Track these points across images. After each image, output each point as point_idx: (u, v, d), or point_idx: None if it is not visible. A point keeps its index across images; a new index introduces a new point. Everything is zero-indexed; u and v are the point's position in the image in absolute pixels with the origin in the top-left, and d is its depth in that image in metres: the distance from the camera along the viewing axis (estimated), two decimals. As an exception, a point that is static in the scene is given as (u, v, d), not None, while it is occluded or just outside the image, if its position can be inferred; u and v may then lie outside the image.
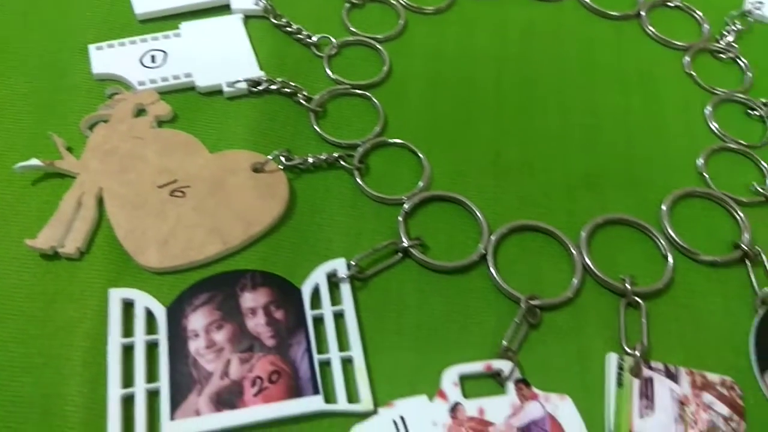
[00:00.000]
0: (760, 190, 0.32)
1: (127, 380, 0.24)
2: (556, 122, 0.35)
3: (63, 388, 0.24)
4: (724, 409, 0.26)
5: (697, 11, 0.40)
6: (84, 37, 0.35)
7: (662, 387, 0.26)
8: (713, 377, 0.27)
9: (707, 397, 0.26)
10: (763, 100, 0.36)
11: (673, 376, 0.26)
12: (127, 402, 0.24)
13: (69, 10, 0.36)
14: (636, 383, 0.26)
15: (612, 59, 0.38)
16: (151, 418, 0.24)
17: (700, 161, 0.33)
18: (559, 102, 0.36)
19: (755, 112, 0.36)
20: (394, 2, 0.38)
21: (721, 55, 0.39)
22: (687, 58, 0.38)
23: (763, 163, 0.34)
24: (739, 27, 0.40)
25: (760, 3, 0.40)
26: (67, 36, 0.35)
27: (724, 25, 0.40)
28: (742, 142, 0.34)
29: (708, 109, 0.36)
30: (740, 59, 0.38)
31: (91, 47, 0.34)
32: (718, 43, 0.39)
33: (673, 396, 0.26)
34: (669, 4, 0.41)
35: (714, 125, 0.35)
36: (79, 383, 0.25)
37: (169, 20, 0.36)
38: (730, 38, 0.39)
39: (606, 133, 0.35)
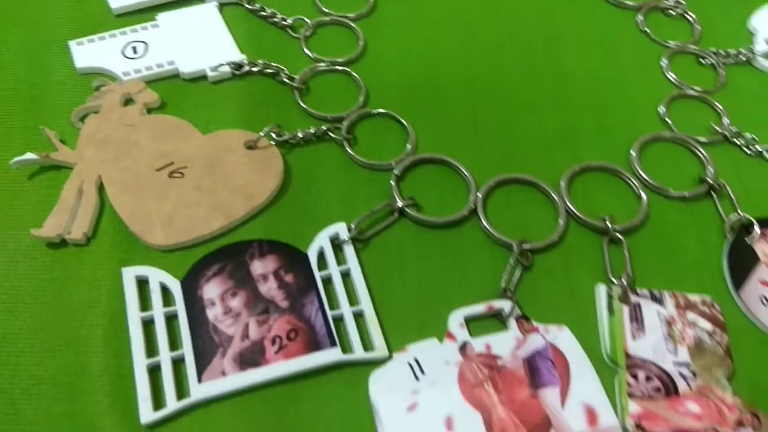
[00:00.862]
0: (719, 130, 0.35)
1: (151, 351, 0.25)
2: (526, 84, 0.37)
3: (88, 366, 0.25)
4: (708, 325, 0.28)
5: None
6: (63, 34, 0.35)
7: (649, 310, 0.28)
8: (694, 297, 0.29)
9: (691, 315, 0.28)
10: (713, 49, 0.39)
11: (658, 300, 0.29)
12: (153, 372, 0.25)
13: (46, 8, 0.36)
14: (625, 309, 0.28)
15: (571, 23, 0.40)
16: (178, 384, 0.25)
17: (661, 108, 0.36)
18: (527, 65, 0.38)
19: (706, 60, 0.39)
20: (363, -18, 0.40)
21: (671, 12, 0.41)
22: (640, 17, 0.40)
23: (718, 105, 0.36)
24: (685, -16, 0.43)
25: (701, -39, 0.43)
26: (47, 34, 0.35)
27: (671, -16, 0.43)
28: (697, 88, 0.37)
29: (663, 62, 0.38)
30: (688, 14, 0.41)
31: (72, 43, 0.34)
32: (667, 0, 0.42)
33: (661, 317, 0.28)
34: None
35: (671, 75, 0.38)
36: (103, 359, 0.25)
37: (144, 13, 0.37)
38: (678, -7, 0.42)
39: (573, 91, 0.37)
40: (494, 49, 0.38)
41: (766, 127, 0.36)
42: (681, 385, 0.26)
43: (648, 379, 0.27)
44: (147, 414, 0.24)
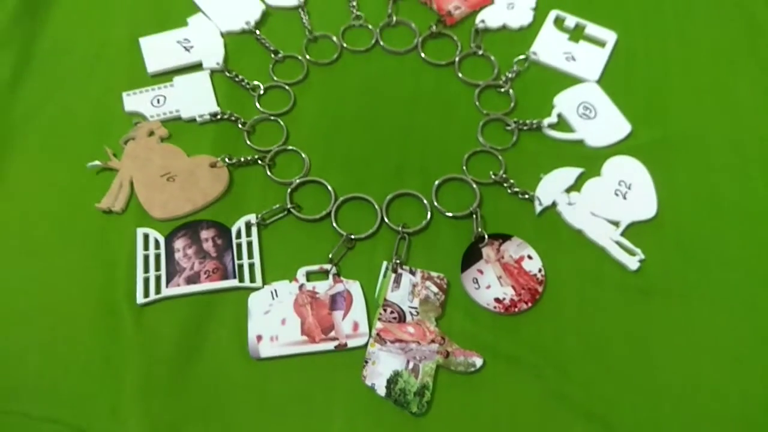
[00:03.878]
0: (493, 176, 0.57)
1: (146, 270, 0.52)
2: (388, 136, 0.60)
3: (117, 273, 0.52)
4: (435, 289, 0.52)
5: (492, 57, 0.64)
6: (119, 86, 0.61)
7: (406, 278, 0.52)
8: (434, 274, 0.52)
9: (428, 283, 0.52)
10: (515, 120, 0.60)
11: (413, 273, 0.52)
12: (146, 280, 0.51)
13: (112, 70, 0.62)
14: (392, 276, 0.52)
15: (427, 92, 0.62)
16: (157, 287, 0.51)
17: (464, 158, 0.58)
18: (396, 124, 0.60)
19: (509, 127, 0.60)
20: (300, 59, 0.63)
21: (501, 89, 0.62)
22: (477, 92, 0.62)
23: (502, 159, 0.58)
24: (518, 69, 0.63)
25: (535, 53, 0.64)
26: (108, 87, 0.61)
27: (511, 67, 0.64)
28: (495, 147, 0.59)
29: (480, 125, 0.60)
30: (511, 91, 0.62)
31: (124, 94, 0.60)
32: (501, 80, 0.63)
33: (411, 282, 0.52)
34: (478, 52, 0.64)
35: (479, 135, 0.59)
36: (125, 270, 0.52)
37: (168, 75, 0.62)
38: (511, 75, 0.63)
39: (414, 142, 0.59)
40: (380, 110, 0.61)
41: (530, 177, 0.57)
42: (408, 318, 0.51)
43: (391, 312, 0.51)
44: (140, 299, 0.50)
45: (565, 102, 0.61)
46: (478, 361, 0.49)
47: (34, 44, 0.63)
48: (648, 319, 0.51)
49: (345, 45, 0.64)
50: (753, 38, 0.65)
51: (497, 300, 0.51)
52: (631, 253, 0.53)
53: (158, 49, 0.62)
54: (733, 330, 0.50)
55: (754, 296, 0.52)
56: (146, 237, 0.53)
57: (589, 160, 0.58)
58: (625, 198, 0.56)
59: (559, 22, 0.66)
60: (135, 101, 0.60)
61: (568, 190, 0.57)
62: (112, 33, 0.64)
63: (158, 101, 0.60)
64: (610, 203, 0.56)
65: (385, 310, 0.51)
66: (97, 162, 0.56)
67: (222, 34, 0.64)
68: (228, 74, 0.62)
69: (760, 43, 0.65)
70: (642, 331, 0.51)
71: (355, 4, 0.67)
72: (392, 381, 0.48)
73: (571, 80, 0.63)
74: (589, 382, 0.48)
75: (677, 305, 0.52)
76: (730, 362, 0.49)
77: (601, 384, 0.48)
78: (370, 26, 0.65)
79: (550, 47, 0.64)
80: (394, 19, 0.66)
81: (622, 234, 0.54)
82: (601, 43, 0.65)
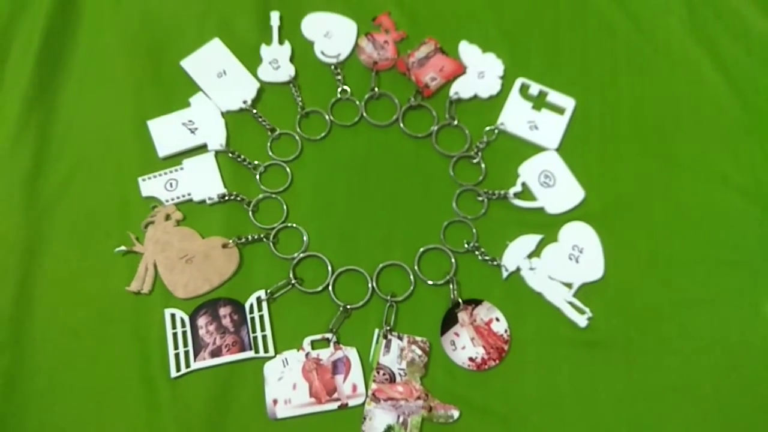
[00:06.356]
0: (466, 245, 0.66)
1: (176, 346, 0.61)
2: (379, 207, 0.68)
3: (150, 350, 0.61)
4: (419, 351, 0.62)
5: (466, 129, 0.72)
6: (133, 168, 0.68)
7: (395, 343, 0.62)
8: (418, 338, 0.63)
9: (413, 347, 0.62)
10: (485, 190, 0.69)
11: (401, 338, 0.63)
12: (177, 355, 0.61)
13: (122, 155, 0.69)
14: (383, 341, 0.62)
15: (411, 165, 0.70)
16: (186, 361, 0.61)
17: (442, 228, 0.67)
18: (382, 196, 0.69)
19: (480, 198, 0.69)
20: (295, 136, 0.71)
21: (473, 160, 0.71)
22: (452, 163, 0.70)
23: (474, 229, 0.67)
24: (487, 139, 0.71)
25: (503, 124, 0.72)
26: (123, 170, 0.68)
27: (481, 137, 0.72)
28: (467, 216, 0.68)
29: (455, 196, 0.69)
30: (482, 162, 0.70)
31: (140, 179, 0.67)
32: (473, 150, 0.71)
33: (399, 346, 0.62)
34: (453, 123, 0.72)
35: (454, 205, 0.68)
36: (157, 347, 0.61)
37: (178, 157, 0.69)
38: (481, 146, 0.71)
39: (399, 213, 0.68)
40: (367, 185, 0.69)
41: (498, 243, 0.67)
42: (398, 378, 0.61)
43: (383, 374, 0.61)
44: (173, 373, 0.60)
45: (528, 171, 0.70)
46: (456, 413, 0.60)
47: (49, 130, 0.70)
48: (594, 371, 0.62)
49: (333, 119, 0.72)
50: (697, 100, 0.74)
51: (471, 359, 0.62)
52: (581, 312, 0.64)
53: (166, 132, 0.69)
54: (667, 380, 0.62)
55: (686, 350, 0.63)
56: (173, 317, 0.62)
57: (549, 227, 0.68)
58: (577, 261, 0.66)
59: (524, 90, 0.74)
60: (150, 186, 0.67)
61: (530, 256, 0.66)
62: (120, 114, 0.71)
63: (171, 185, 0.67)
64: (565, 267, 0.66)
65: (378, 373, 0.61)
66: (123, 247, 0.64)
67: (222, 113, 0.71)
68: (231, 155, 0.69)
69: (703, 105, 0.73)
70: (589, 381, 0.62)
71: (340, 77, 0.73)
72: (386, 433, 0.59)
73: (534, 149, 0.71)
74: (546, 430, 0.60)
75: (619, 357, 0.63)
76: (664, 409, 0.61)
77: (557, 430, 0.60)
78: (357, 101, 0.72)
79: (515, 117, 0.72)
80: (377, 91, 0.73)
81: (575, 295, 0.65)
82: (561, 110, 0.73)
